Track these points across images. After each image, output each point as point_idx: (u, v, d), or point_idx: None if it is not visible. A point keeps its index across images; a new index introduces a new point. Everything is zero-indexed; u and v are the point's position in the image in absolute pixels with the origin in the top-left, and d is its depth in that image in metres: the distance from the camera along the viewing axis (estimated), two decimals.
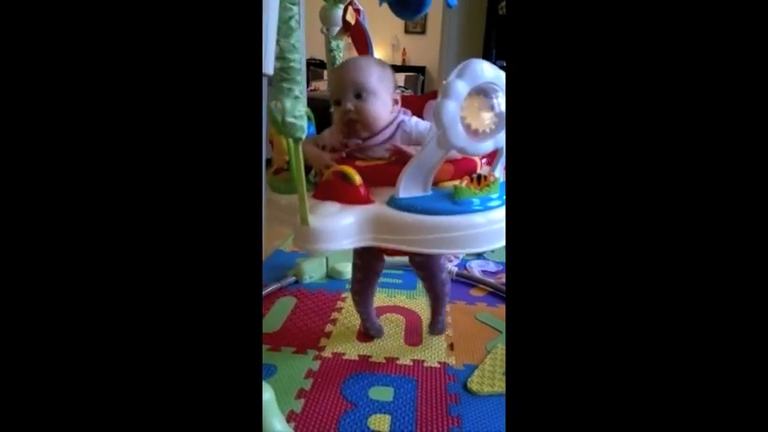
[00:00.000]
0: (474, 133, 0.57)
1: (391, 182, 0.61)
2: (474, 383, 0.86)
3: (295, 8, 0.52)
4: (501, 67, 2.04)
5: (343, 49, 1.09)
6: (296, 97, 0.53)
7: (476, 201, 0.60)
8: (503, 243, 0.62)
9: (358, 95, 0.70)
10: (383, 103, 0.72)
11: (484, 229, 0.60)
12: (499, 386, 0.86)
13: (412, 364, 0.93)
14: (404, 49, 4.58)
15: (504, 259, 1.49)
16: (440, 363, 0.93)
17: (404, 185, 0.60)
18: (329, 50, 1.07)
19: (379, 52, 4.54)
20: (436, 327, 1.00)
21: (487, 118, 0.58)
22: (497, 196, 0.62)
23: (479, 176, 0.61)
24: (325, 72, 1.15)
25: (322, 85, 3.89)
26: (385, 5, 0.81)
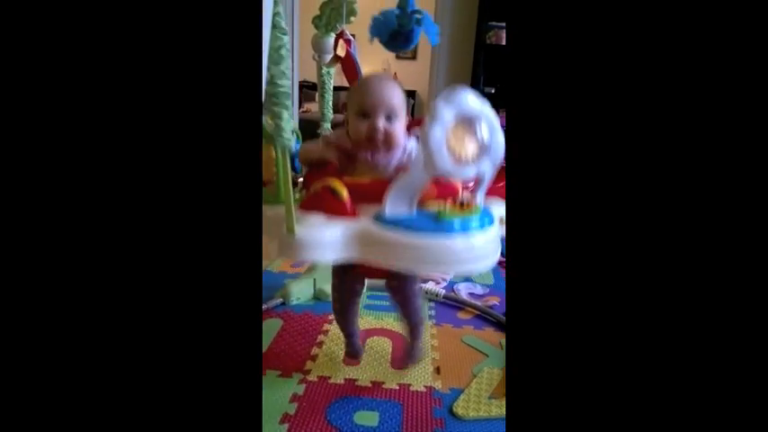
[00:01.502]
0: (458, 159, 0.60)
1: (376, 200, 0.63)
2: (460, 408, 0.86)
3: (285, 38, 0.55)
4: (489, 95, 2.09)
5: (334, 75, 1.13)
6: (286, 118, 0.56)
7: (457, 223, 0.63)
8: (481, 267, 0.65)
9: (389, 117, 0.73)
10: (403, 127, 0.75)
11: (464, 250, 0.62)
12: (485, 410, 0.86)
13: (398, 388, 0.92)
14: (395, 74, 4.67)
15: (490, 282, 1.50)
16: (426, 387, 0.93)
17: (390, 204, 0.62)
18: (320, 76, 1.10)
19: None
20: (411, 355, 0.96)
21: (471, 145, 0.61)
22: (477, 220, 0.65)
23: (462, 201, 0.64)
24: (317, 94, 1.17)
25: (313, 107, 3.94)
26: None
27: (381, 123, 0.72)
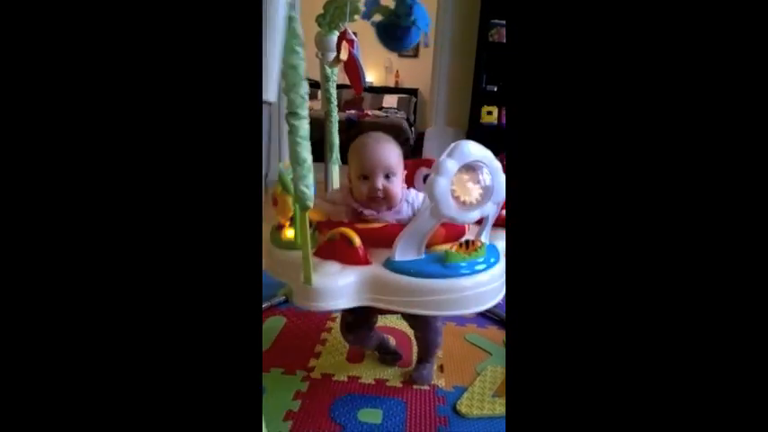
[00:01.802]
0: (462, 204, 0.64)
1: (387, 244, 0.67)
2: (463, 406, 0.86)
3: (302, 52, 0.51)
4: (492, 93, 2.08)
5: (338, 73, 1.12)
6: (309, 167, 0.56)
7: (464, 264, 0.66)
8: (486, 306, 0.69)
9: (387, 176, 0.78)
10: (400, 181, 0.81)
11: (470, 292, 0.66)
12: (488, 409, 0.86)
13: (401, 385, 0.93)
14: (397, 72, 4.67)
15: None
16: (429, 384, 0.93)
17: (399, 249, 0.66)
18: (324, 77, 1.10)
19: (372, 74, 4.63)
20: (421, 375, 0.94)
21: (475, 191, 0.65)
22: (483, 260, 0.68)
23: (468, 242, 0.68)
24: (319, 92, 1.17)
25: (315, 105, 3.93)
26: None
27: (380, 183, 0.78)
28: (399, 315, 1.19)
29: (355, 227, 0.70)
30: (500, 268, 0.70)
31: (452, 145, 0.63)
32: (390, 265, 0.65)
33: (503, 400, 0.88)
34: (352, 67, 0.87)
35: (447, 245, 0.69)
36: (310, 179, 0.57)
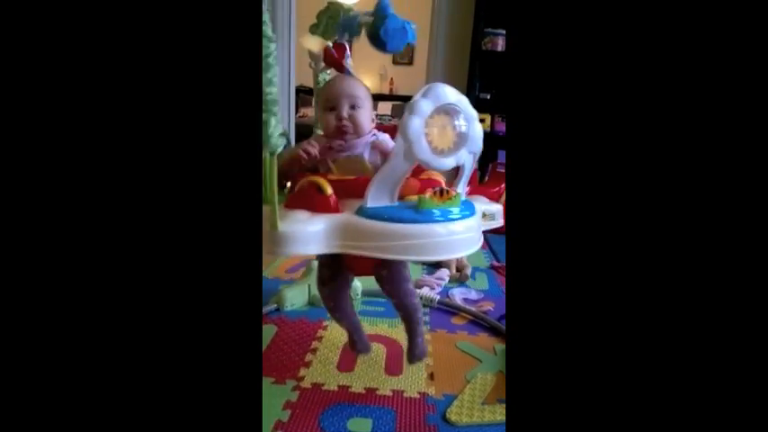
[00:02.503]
0: (436, 150, 0.62)
1: (359, 195, 0.65)
2: (453, 414, 0.86)
3: (273, 46, 0.55)
4: (485, 101, 2.09)
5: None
6: (275, 124, 0.57)
7: (437, 212, 0.64)
8: (461, 253, 0.67)
9: (352, 106, 0.80)
10: (368, 114, 0.83)
11: (444, 239, 0.64)
12: (478, 417, 0.86)
13: (392, 394, 0.92)
14: (391, 79, 4.70)
15: (485, 288, 1.50)
16: (419, 393, 0.93)
17: (372, 195, 0.64)
18: (317, 83, 1.10)
19: (367, 81, 4.65)
20: (414, 352, 0.94)
21: (450, 136, 0.63)
22: (458, 210, 0.67)
23: (442, 190, 0.66)
24: (313, 99, 1.18)
25: (310, 112, 3.95)
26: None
27: (345, 112, 0.79)
28: (392, 322, 1.19)
29: (327, 177, 0.69)
30: (475, 221, 0.68)
31: (427, 86, 0.61)
32: (362, 211, 0.63)
33: (493, 408, 0.88)
34: (332, 57, 0.90)
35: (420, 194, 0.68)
36: (277, 131, 0.57)
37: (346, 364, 1.02)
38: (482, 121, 2.49)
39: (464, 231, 0.65)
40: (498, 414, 0.87)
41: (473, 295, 1.42)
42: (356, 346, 0.99)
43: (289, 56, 2.48)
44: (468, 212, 0.68)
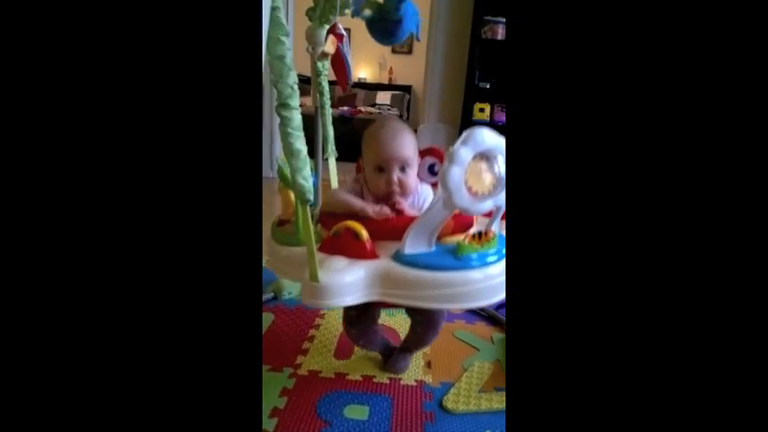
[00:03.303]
0: (475, 195, 0.62)
1: (395, 236, 0.64)
2: (449, 402, 0.86)
3: (287, 41, 0.50)
4: (484, 90, 2.08)
5: (329, 70, 1.11)
6: (305, 158, 0.54)
7: (474, 256, 0.64)
8: (498, 298, 0.65)
9: (402, 168, 0.77)
10: (416, 172, 0.80)
11: (482, 285, 0.64)
12: (475, 404, 0.86)
13: (388, 381, 0.93)
14: (390, 68, 4.66)
15: None
16: (416, 381, 0.93)
17: (410, 242, 0.63)
18: (315, 72, 1.09)
19: (366, 71, 4.61)
20: (401, 366, 0.95)
21: (488, 180, 0.63)
22: (494, 251, 0.66)
23: (480, 233, 0.65)
24: (310, 88, 1.16)
25: (307, 101, 3.92)
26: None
27: (396, 176, 0.76)
28: (391, 311, 1.19)
29: (361, 220, 0.68)
30: None
31: (466, 132, 0.60)
32: (400, 258, 0.63)
33: (489, 396, 0.89)
34: (339, 63, 0.86)
35: (456, 236, 0.67)
36: (307, 171, 0.55)
37: (343, 351, 1.02)
38: (482, 110, 2.47)
39: (500, 273, 0.65)
40: (495, 402, 0.87)
41: None
42: (389, 365, 0.96)
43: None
44: (504, 251, 0.67)
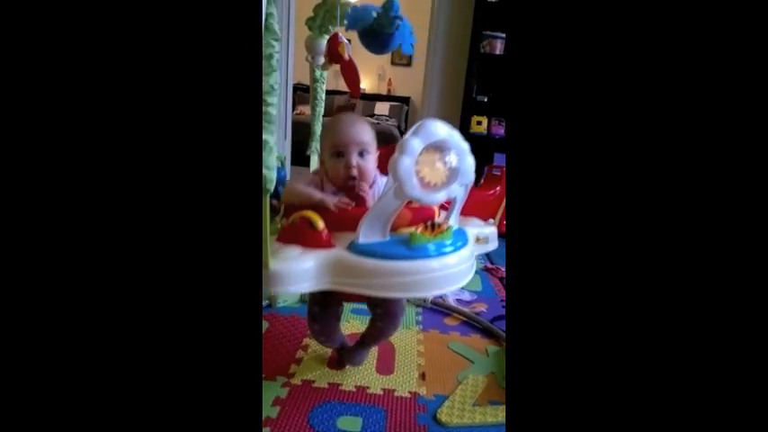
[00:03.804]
0: (428, 185, 0.62)
1: (352, 227, 0.64)
2: (443, 414, 0.85)
3: (277, 45, 0.52)
4: (482, 103, 2.09)
5: (328, 78, 1.12)
6: (270, 148, 0.54)
7: (430, 246, 0.64)
8: (455, 286, 0.67)
9: (360, 153, 0.78)
10: (375, 159, 0.81)
11: (438, 274, 0.64)
12: (469, 418, 0.85)
13: (382, 393, 0.92)
14: (389, 80, 4.70)
15: (478, 289, 1.50)
16: (410, 393, 0.92)
17: (363, 231, 0.64)
18: (314, 80, 1.10)
19: (365, 82, 4.65)
20: (355, 357, 0.97)
21: (441, 172, 0.63)
22: (450, 242, 0.66)
23: (433, 224, 0.66)
24: (309, 96, 1.17)
25: (307, 110, 3.94)
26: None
27: (355, 160, 0.77)
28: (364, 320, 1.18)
29: (319, 210, 0.68)
30: (467, 251, 0.68)
31: (417, 123, 0.62)
32: (354, 247, 0.63)
33: (483, 410, 0.88)
34: (351, 70, 0.87)
35: (412, 227, 0.67)
36: (271, 161, 0.55)
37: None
38: (479, 123, 2.48)
39: (457, 263, 0.66)
40: (489, 416, 0.86)
41: (466, 296, 1.42)
42: (347, 358, 0.98)
43: (287, 53, 2.46)
44: (460, 243, 0.68)
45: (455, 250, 0.66)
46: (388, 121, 4.22)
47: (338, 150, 0.78)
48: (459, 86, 2.69)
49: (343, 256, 0.63)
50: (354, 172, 0.77)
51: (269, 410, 0.83)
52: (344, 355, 0.98)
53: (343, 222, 0.68)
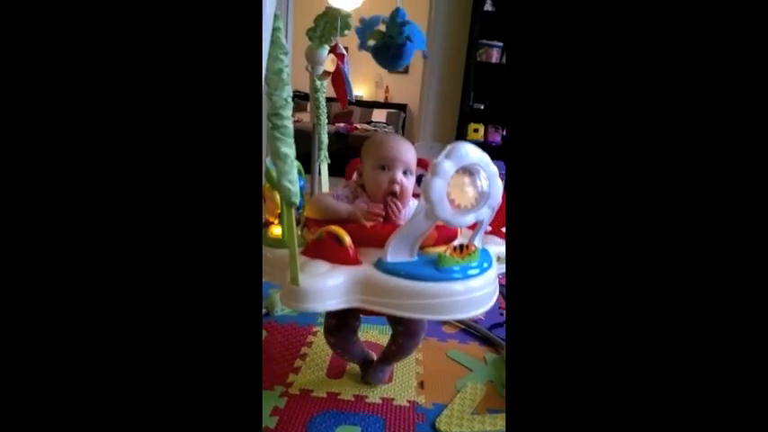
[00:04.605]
0: (458, 208, 0.63)
1: (378, 244, 0.65)
2: (442, 423, 0.85)
3: (286, 59, 0.53)
4: (478, 111, 2.10)
5: (327, 86, 1.13)
6: (292, 162, 0.55)
7: (457, 269, 0.64)
8: (480, 311, 0.66)
9: (404, 172, 0.78)
10: (413, 184, 0.81)
11: (463, 297, 0.64)
12: (468, 426, 0.85)
13: (381, 402, 0.91)
14: (387, 87, 4.72)
15: None
16: (409, 401, 0.92)
17: (392, 250, 0.64)
18: (314, 90, 1.10)
19: (362, 88, 4.67)
20: (377, 375, 0.96)
21: (471, 194, 0.64)
22: (476, 264, 0.66)
23: (462, 246, 0.66)
24: (308, 104, 1.18)
25: (305, 117, 3.95)
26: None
27: (400, 176, 0.77)
28: (383, 329, 1.18)
29: (345, 225, 0.68)
30: (492, 273, 0.69)
31: (450, 146, 0.62)
32: (382, 265, 0.63)
33: (482, 418, 0.88)
34: (339, 81, 0.88)
35: (439, 247, 0.68)
36: (294, 174, 0.55)
37: (335, 371, 1.01)
38: (476, 130, 2.49)
39: (482, 287, 0.66)
40: (488, 424, 0.86)
41: None
42: (369, 377, 0.97)
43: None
44: (486, 265, 0.68)
45: (481, 273, 0.66)
46: (385, 128, 4.23)
47: (383, 164, 0.78)
48: (455, 94, 2.71)
49: (371, 273, 0.63)
50: (397, 188, 0.77)
51: (267, 420, 0.83)
52: (366, 374, 0.96)
53: (369, 238, 0.68)
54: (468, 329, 1.25)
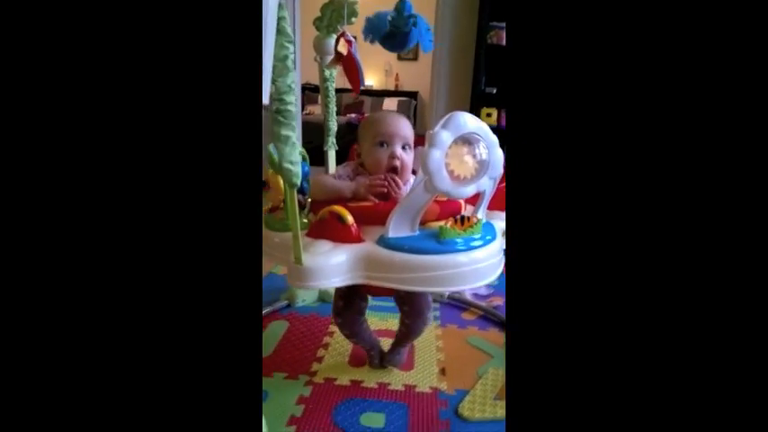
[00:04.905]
0: (457, 178, 0.62)
1: (380, 221, 0.65)
2: (465, 409, 0.86)
3: (291, 47, 0.54)
4: (490, 95, 2.08)
5: (337, 77, 1.13)
6: (293, 143, 0.55)
7: (459, 241, 0.64)
8: (485, 281, 0.66)
9: (404, 147, 0.80)
10: (413, 158, 0.82)
11: (467, 268, 0.64)
12: (490, 412, 0.86)
13: (404, 389, 0.92)
14: (396, 75, 4.68)
15: (495, 283, 1.49)
16: (431, 388, 0.93)
17: (393, 226, 0.64)
18: (323, 80, 1.10)
19: (372, 78, 4.64)
20: (394, 358, 0.98)
21: (470, 164, 0.63)
22: (480, 236, 0.66)
23: (463, 218, 0.65)
24: (319, 96, 1.18)
25: (316, 109, 3.95)
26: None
27: (399, 151, 0.78)
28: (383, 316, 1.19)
29: (347, 205, 0.69)
30: (497, 245, 0.68)
31: (447, 116, 0.61)
32: (383, 241, 0.63)
33: (504, 403, 0.88)
34: (351, 66, 0.87)
35: (442, 221, 0.67)
36: (296, 156, 0.56)
37: (358, 358, 1.02)
38: (489, 115, 2.46)
39: (486, 258, 0.65)
40: None
41: (483, 290, 1.42)
42: (373, 361, 0.99)
43: (294, 52, 2.47)
44: (490, 237, 0.67)
45: (484, 244, 0.66)
46: None
47: (382, 140, 0.79)
48: (467, 79, 2.67)
49: (374, 250, 0.63)
50: (398, 163, 0.78)
51: (293, 409, 0.85)
52: (384, 358, 0.98)
53: (371, 216, 0.68)
54: (487, 316, 1.25)
